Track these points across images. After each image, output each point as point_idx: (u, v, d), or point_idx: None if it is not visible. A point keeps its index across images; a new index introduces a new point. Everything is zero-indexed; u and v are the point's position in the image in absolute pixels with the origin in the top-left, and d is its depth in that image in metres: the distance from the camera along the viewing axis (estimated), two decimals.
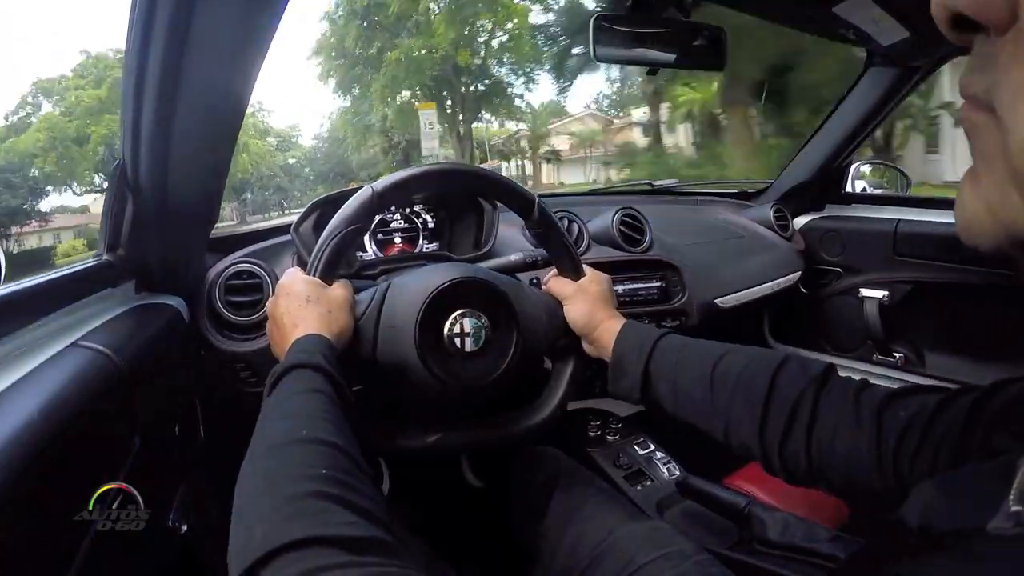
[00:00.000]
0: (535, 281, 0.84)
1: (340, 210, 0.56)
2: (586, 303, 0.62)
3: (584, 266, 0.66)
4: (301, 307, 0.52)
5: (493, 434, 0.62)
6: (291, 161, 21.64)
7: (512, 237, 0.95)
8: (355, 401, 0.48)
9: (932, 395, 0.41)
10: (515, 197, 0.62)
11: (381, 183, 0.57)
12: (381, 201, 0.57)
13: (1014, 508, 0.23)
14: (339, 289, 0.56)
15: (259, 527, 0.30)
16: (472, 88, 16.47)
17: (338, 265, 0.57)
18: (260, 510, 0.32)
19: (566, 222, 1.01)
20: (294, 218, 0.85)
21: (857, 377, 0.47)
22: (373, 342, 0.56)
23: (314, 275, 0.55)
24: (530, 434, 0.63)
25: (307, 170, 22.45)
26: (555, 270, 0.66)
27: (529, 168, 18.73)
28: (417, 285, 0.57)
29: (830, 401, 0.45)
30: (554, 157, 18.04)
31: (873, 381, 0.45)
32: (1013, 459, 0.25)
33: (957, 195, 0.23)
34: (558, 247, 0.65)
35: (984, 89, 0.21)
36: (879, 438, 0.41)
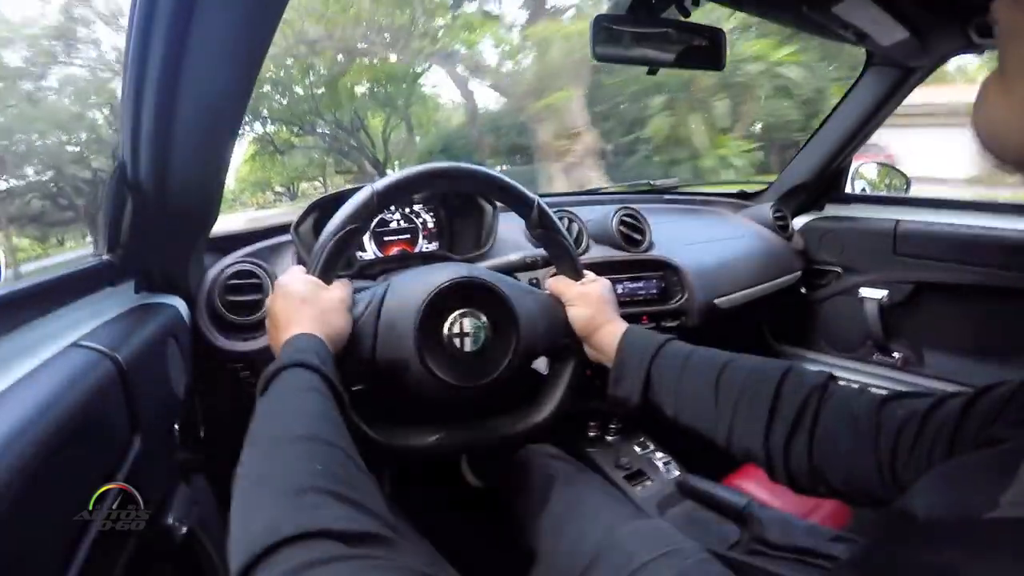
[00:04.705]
0: (534, 281, 0.84)
1: (340, 210, 0.56)
2: (589, 305, 0.62)
3: (585, 270, 0.66)
4: (296, 307, 0.52)
5: (493, 434, 0.62)
6: None
7: (512, 237, 0.95)
8: (351, 401, 0.48)
9: (925, 398, 0.42)
10: (515, 197, 0.62)
11: (382, 183, 0.57)
12: (381, 201, 0.57)
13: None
14: (336, 290, 0.55)
15: (257, 523, 0.30)
16: None
17: (337, 265, 0.57)
18: (258, 507, 0.32)
19: (566, 222, 1.01)
20: (294, 217, 0.85)
21: (857, 377, 0.47)
22: (372, 342, 0.56)
23: (314, 274, 0.55)
24: (530, 434, 0.63)
25: None
26: (555, 270, 0.66)
27: None
28: (417, 285, 0.57)
29: (831, 408, 0.46)
30: None
31: (873, 382, 0.46)
32: (1014, 447, 0.25)
33: (978, 105, 0.22)
34: (558, 248, 0.65)
35: None
36: (876, 441, 0.42)
